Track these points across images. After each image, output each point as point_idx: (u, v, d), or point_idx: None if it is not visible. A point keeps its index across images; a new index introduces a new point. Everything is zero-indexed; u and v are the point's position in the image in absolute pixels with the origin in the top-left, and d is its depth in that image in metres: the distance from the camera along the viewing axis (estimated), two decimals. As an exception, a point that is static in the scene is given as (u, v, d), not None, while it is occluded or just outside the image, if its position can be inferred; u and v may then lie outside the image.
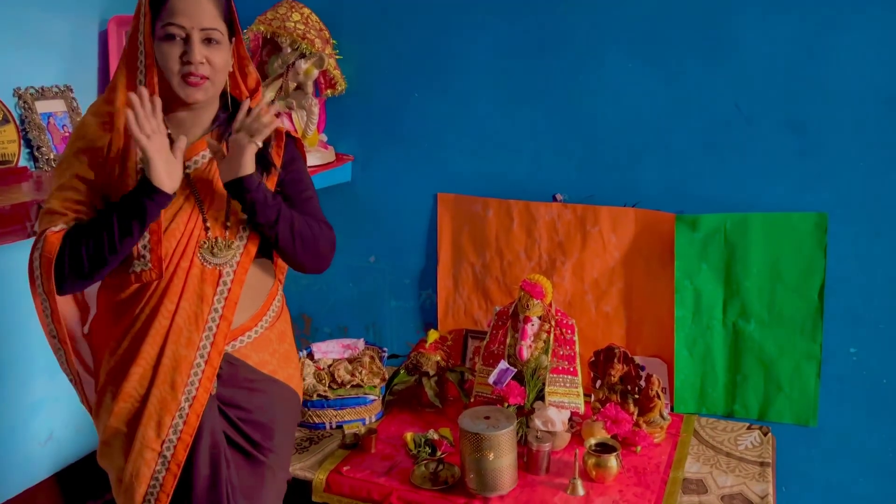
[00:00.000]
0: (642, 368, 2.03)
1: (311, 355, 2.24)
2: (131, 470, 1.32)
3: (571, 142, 2.12)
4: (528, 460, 1.85)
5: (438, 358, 2.15)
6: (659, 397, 1.97)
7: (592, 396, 2.02)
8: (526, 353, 1.96)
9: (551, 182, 2.16)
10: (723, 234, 2.00)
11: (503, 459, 1.73)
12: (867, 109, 1.83)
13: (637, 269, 2.12)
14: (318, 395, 2.08)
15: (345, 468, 1.88)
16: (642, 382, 2.01)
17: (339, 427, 2.02)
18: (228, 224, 1.36)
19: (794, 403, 2.03)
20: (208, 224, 1.34)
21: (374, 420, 2.09)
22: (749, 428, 2.04)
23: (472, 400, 2.07)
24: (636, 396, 1.98)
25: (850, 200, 1.88)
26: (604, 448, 1.82)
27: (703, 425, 2.06)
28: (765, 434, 2.01)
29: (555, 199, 2.18)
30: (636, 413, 1.96)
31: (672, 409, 2.13)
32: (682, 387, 2.10)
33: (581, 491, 1.75)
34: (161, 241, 1.29)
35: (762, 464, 1.89)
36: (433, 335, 2.19)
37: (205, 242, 1.34)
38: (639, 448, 1.93)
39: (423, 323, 2.41)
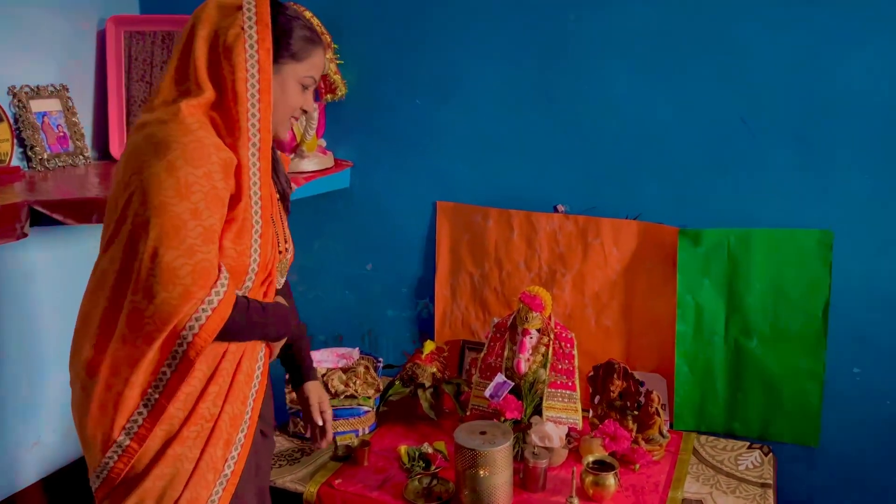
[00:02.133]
0: (642, 384, 2.00)
1: (304, 364, 2.19)
2: (188, 497, 1.22)
3: (574, 152, 2.09)
4: (524, 477, 1.82)
5: (434, 369, 2.12)
6: (658, 414, 1.94)
7: (590, 412, 1.98)
8: (524, 367, 1.91)
9: (553, 192, 2.13)
10: (726, 249, 1.97)
11: (499, 476, 1.70)
12: (874, 125, 1.80)
13: (638, 282, 2.09)
14: None
15: (336, 481, 1.85)
16: (642, 399, 1.97)
17: (332, 438, 1.97)
18: (287, 245, 1.43)
19: (795, 423, 2.00)
20: (281, 246, 1.39)
21: (367, 432, 2.05)
22: (750, 447, 2.01)
23: (468, 413, 2.01)
24: (635, 413, 1.94)
25: (855, 217, 1.85)
26: (602, 466, 1.78)
27: (702, 443, 2.02)
28: (766, 454, 1.98)
29: (556, 210, 2.15)
30: (635, 430, 1.93)
31: (671, 425, 2.10)
32: (681, 403, 2.06)
33: (578, 510, 1.72)
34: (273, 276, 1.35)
35: (763, 485, 1.85)
36: (429, 346, 2.16)
37: (280, 263, 1.39)
38: (637, 466, 1.89)
39: (420, 333, 2.37)
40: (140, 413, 1.19)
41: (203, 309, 1.14)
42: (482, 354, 2.05)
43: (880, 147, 1.81)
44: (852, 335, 1.91)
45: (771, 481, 1.87)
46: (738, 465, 1.94)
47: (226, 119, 1.19)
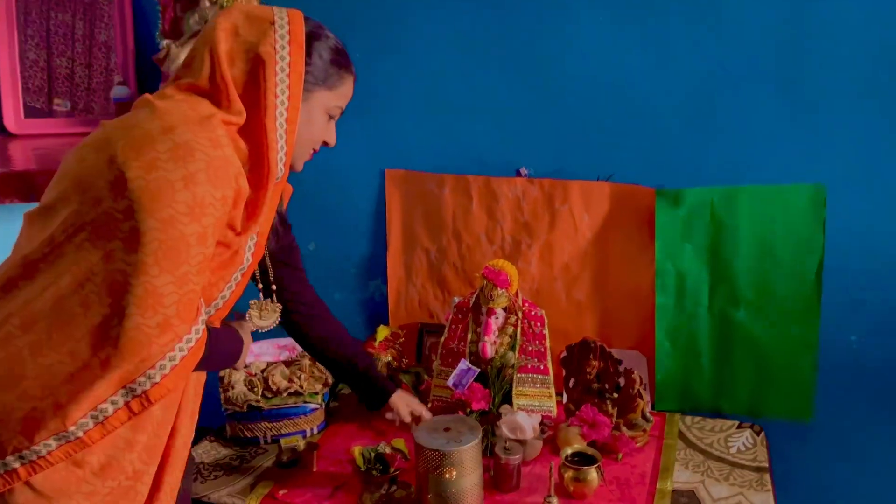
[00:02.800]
0: (620, 363, 1.84)
1: (240, 359, 1.96)
2: None
3: (538, 109, 1.93)
4: (495, 475, 1.64)
5: (390, 357, 1.97)
6: (641, 396, 1.79)
7: (565, 397, 1.86)
8: (490, 351, 1.77)
9: (515, 155, 1.97)
10: (709, 209, 1.83)
11: (467, 479, 1.52)
12: (868, 69, 1.66)
13: (613, 251, 1.95)
14: (250, 406, 1.83)
15: (281, 492, 1.65)
16: (621, 380, 1.82)
17: (275, 442, 1.80)
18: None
19: (787, 397, 1.88)
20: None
21: (315, 432, 1.88)
22: (739, 427, 1.87)
23: (429, 405, 1.87)
24: (615, 396, 1.81)
25: (851, 170, 1.72)
26: (582, 458, 1.63)
27: (688, 426, 1.89)
28: (757, 433, 1.85)
29: (519, 174, 1.99)
30: (615, 415, 1.78)
31: (653, 407, 1.96)
32: (663, 382, 1.92)
33: (558, 511, 1.54)
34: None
35: (758, 469, 1.71)
36: (383, 331, 2.03)
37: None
38: (620, 455, 1.74)
39: (372, 318, 2.21)
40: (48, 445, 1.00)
41: (180, 347, 1.02)
42: (442, 339, 1.89)
43: (876, 91, 1.67)
44: (849, 300, 1.79)
45: (766, 464, 1.73)
46: (730, 448, 1.79)
47: (251, 146, 1.11)
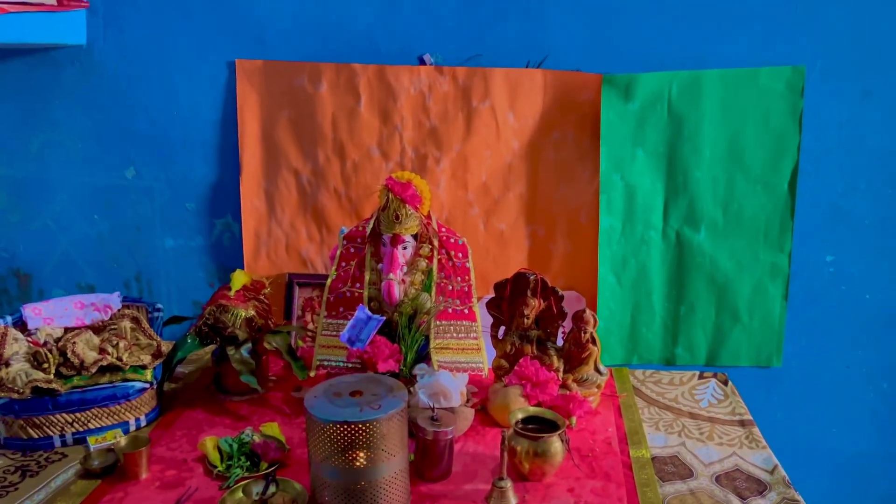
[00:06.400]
0: (562, 299, 1.51)
1: (20, 323, 1.48)
2: None
3: None
4: (417, 457, 1.24)
5: (251, 312, 1.52)
6: (594, 342, 1.49)
7: (495, 350, 1.54)
8: (398, 292, 1.49)
9: (416, 37, 1.66)
10: (666, 102, 1.60)
11: (389, 463, 1.10)
12: None
13: (544, 161, 1.70)
14: (37, 390, 1.31)
15: None
16: (563, 324, 1.51)
17: (80, 442, 1.36)
18: None
19: (753, 337, 1.67)
20: None
21: (143, 424, 1.44)
22: (701, 377, 1.63)
23: (312, 375, 1.51)
24: (559, 346, 1.51)
25: (833, 49, 1.56)
26: (540, 425, 1.27)
27: (641, 380, 1.65)
28: (724, 383, 1.60)
29: (422, 63, 1.67)
30: (561, 368, 1.49)
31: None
32: (607, 328, 1.70)
33: (513, 500, 1.17)
34: None
35: (743, 423, 1.45)
36: (240, 278, 1.59)
37: None
38: (574, 420, 1.41)
39: (221, 269, 1.85)
40: None
41: None
42: (329, 281, 1.55)
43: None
44: (826, 210, 1.63)
45: (748, 416, 1.47)
46: (699, 402, 1.53)
47: None
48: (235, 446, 1.29)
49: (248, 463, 1.26)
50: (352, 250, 1.50)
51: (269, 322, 1.55)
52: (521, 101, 1.64)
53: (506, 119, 1.64)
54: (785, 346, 1.66)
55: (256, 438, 1.30)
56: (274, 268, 1.78)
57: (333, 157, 1.70)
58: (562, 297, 1.50)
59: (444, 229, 1.49)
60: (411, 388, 1.37)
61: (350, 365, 1.44)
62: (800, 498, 1.18)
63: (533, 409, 1.31)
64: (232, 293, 1.50)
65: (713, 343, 1.67)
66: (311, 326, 1.65)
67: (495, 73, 1.63)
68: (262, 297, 1.56)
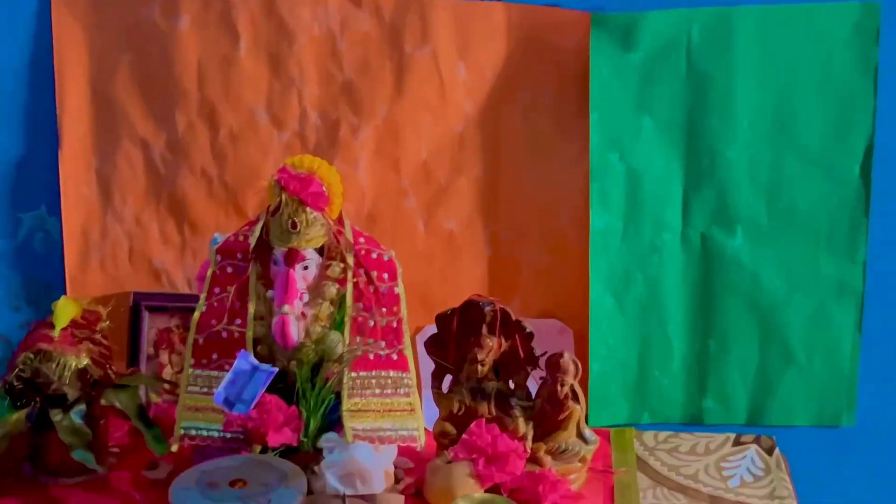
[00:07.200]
0: (532, 338, 1.82)
1: None
2: None
3: None
4: None
5: (85, 361, 1.81)
6: (576, 398, 1.80)
7: (438, 410, 1.85)
8: (295, 332, 1.73)
9: None
10: (683, 52, 1.88)
11: None
12: None
13: (510, 133, 1.99)
14: None
15: None
16: (536, 372, 1.82)
17: None
18: None
19: (813, 385, 1.98)
20: None
21: None
22: (738, 442, 1.95)
23: (172, 448, 1.76)
24: (528, 403, 1.82)
25: None
26: None
27: (650, 446, 1.97)
28: (769, 451, 1.93)
29: None
30: (531, 436, 1.80)
31: (586, 418, 1.94)
32: (605, 372, 2.00)
33: None
34: None
35: None
36: (68, 309, 1.86)
37: None
38: None
39: (30, 285, 2.16)
40: None
41: None
42: (196, 315, 1.80)
43: None
44: None
45: (793, 500, 1.80)
46: (727, 480, 1.85)
47: None
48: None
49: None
50: (229, 270, 1.75)
51: (110, 371, 1.86)
52: (475, 48, 1.91)
53: (454, 72, 1.92)
54: (859, 398, 1.95)
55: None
56: (112, 283, 2.09)
57: (200, 122, 2.00)
58: (530, 335, 1.80)
59: (362, 239, 1.74)
60: (315, 468, 1.65)
61: (229, 436, 1.68)
62: None
63: (487, 497, 1.62)
64: (56, 332, 1.78)
65: (756, 393, 1.98)
66: (168, 372, 1.98)
67: (437, 6, 1.90)
68: (98, 336, 1.87)
